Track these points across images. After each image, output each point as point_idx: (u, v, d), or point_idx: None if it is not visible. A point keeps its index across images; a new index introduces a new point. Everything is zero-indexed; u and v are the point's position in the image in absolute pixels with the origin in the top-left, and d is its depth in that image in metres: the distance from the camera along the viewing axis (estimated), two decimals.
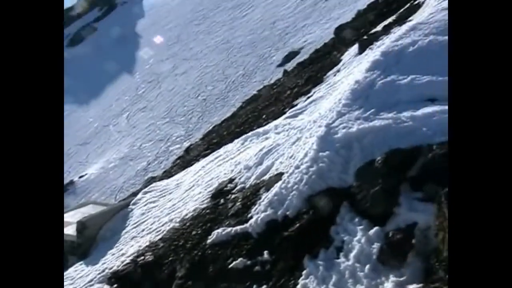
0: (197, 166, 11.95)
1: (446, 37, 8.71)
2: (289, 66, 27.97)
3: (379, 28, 14.93)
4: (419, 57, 8.24)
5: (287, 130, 9.00)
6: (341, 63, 13.70)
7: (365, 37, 14.38)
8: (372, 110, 6.63)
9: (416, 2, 14.81)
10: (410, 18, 12.72)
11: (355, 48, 13.93)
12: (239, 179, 8.27)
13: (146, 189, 12.17)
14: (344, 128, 6.49)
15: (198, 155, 15.77)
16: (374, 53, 9.47)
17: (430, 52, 8.36)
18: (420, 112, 6.16)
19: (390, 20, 15.06)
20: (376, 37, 13.09)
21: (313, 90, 12.70)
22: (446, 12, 10.61)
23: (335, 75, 12.67)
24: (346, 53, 14.93)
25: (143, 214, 10.46)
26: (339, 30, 24.13)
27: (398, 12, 15.45)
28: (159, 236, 8.59)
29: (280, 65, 32.10)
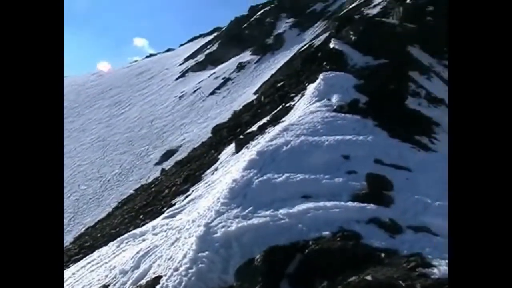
0: (66, 273, 11.04)
1: (316, 137, 9.34)
2: (167, 164, 28.06)
3: (254, 128, 15.64)
4: (292, 156, 8.69)
5: (165, 231, 8.76)
6: (218, 162, 13.95)
7: (241, 136, 14.94)
8: (250, 208, 6.74)
9: (287, 105, 15.89)
10: (282, 119, 13.53)
11: (231, 147, 14.35)
12: (114, 285, 7.74)
13: None
14: (223, 227, 6.47)
15: (68, 260, 14.60)
16: (250, 152, 9.82)
17: (302, 151, 8.87)
18: (295, 209, 6.41)
19: (264, 120, 15.89)
20: (252, 136, 13.67)
21: (191, 189, 12.67)
22: (314, 114, 11.48)
23: (213, 174, 12.82)
24: (223, 151, 15.30)
25: None
26: (216, 129, 25.01)
27: (272, 114, 16.40)
28: None
29: (157, 164, 32.09)
